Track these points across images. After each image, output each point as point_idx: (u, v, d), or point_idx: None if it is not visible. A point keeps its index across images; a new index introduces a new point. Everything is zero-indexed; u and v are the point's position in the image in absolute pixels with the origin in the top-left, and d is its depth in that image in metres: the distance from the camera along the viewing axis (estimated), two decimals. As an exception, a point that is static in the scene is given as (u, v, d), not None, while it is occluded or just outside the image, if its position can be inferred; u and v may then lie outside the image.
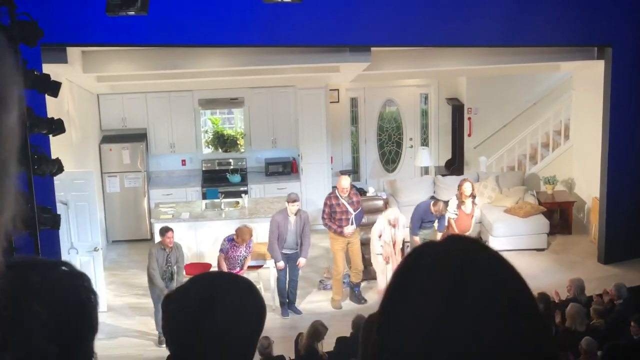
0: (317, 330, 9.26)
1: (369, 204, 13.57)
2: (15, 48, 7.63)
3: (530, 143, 16.87)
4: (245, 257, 12.01)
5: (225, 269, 11.72)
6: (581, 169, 15.50)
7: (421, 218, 12.61)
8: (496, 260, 1.29)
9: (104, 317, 12.26)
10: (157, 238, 11.81)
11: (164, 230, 11.54)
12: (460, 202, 12.67)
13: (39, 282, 1.58)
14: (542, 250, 14.39)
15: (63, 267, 1.70)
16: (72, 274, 1.69)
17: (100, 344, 11.49)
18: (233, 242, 11.81)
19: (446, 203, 12.73)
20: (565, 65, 14.88)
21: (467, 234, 12.72)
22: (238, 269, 11.88)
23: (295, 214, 12.06)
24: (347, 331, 9.65)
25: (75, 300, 1.65)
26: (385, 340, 1.26)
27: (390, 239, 12.22)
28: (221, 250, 11.91)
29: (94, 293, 1.70)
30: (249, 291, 2.23)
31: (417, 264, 1.29)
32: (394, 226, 12.32)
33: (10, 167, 0.77)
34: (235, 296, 2.17)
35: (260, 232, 12.85)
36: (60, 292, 1.63)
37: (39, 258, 1.67)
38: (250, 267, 12.27)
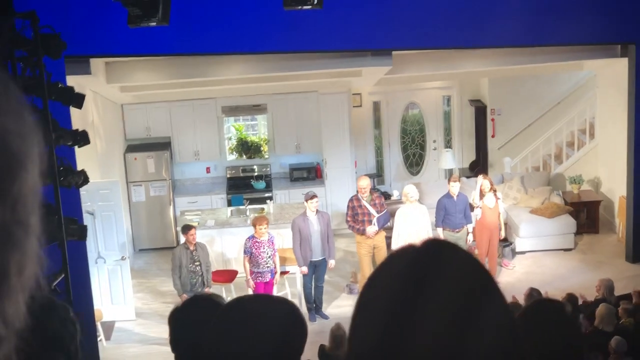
0: (337, 336, 9.21)
1: (393, 207, 13.54)
2: (39, 61, 7.71)
3: (555, 143, 16.79)
4: (271, 256, 11.82)
5: (248, 271, 11.72)
6: (607, 167, 15.39)
7: (444, 207, 12.60)
8: (464, 257, 1.26)
9: (132, 325, 12.34)
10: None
11: (186, 229, 11.66)
12: (481, 195, 12.68)
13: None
14: (570, 250, 14.31)
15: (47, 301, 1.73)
16: (51, 307, 1.72)
17: (130, 352, 11.57)
18: (254, 238, 11.71)
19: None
20: (588, 63, 14.79)
21: (494, 231, 12.72)
22: (269, 277, 11.79)
23: (316, 214, 12.04)
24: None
25: (55, 333, 1.68)
26: (353, 345, 1.26)
27: (410, 230, 12.13)
28: (245, 252, 11.82)
29: (73, 323, 1.73)
30: (292, 316, 2.20)
31: (384, 268, 1.28)
32: (410, 202, 12.29)
33: (32, 226, 0.80)
34: (273, 321, 2.16)
35: (287, 238, 12.87)
36: (43, 325, 1.66)
37: None
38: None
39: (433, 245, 1.27)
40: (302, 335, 2.18)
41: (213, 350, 2.11)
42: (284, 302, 2.33)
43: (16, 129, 0.77)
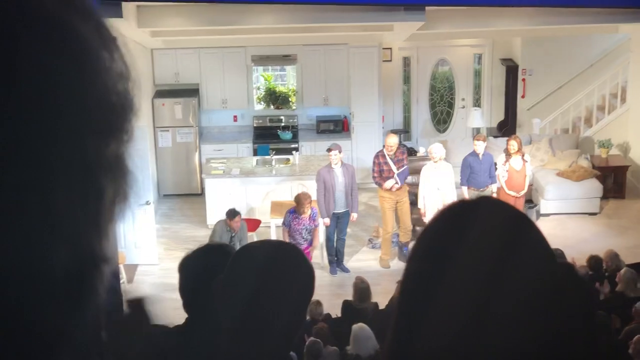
0: (361, 289, 9.25)
1: (419, 164, 13.49)
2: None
3: (586, 105, 16.62)
4: (311, 231, 11.62)
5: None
6: (637, 132, 15.24)
7: (469, 166, 12.53)
8: (509, 210, 1.25)
9: (155, 270, 12.45)
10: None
11: (233, 214, 11.27)
12: (507, 156, 12.61)
13: None
14: (595, 214, 14.23)
15: None
16: None
17: (151, 295, 11.68)
18: (295, 213, 11.48)
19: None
20: (623, 26, 14.59)
21: (520, 193, 12.65)
22: (305, 244, 11.45)
23: (341, 166, 12.00)
24: (394, 290, 9.66)
25: None
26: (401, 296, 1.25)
27: (435, 187, 12.11)
28: (284, 224, 11.63)
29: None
30: (300, 260, 2.23)
31: (431, 221, 1.26)
32: (435, 160, 12.24)
33: (131, 168, 0.87)
34: (287, 265, 2.19)
35: (311, 190, 12.87)
36: None
37: None
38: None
39: (482, 199, 1.27)
40: (310, 278, 2.22)
41: (224, 295, 2.15)
42: (290, 247, 2.38)
43: (123, 83, 0.85)
